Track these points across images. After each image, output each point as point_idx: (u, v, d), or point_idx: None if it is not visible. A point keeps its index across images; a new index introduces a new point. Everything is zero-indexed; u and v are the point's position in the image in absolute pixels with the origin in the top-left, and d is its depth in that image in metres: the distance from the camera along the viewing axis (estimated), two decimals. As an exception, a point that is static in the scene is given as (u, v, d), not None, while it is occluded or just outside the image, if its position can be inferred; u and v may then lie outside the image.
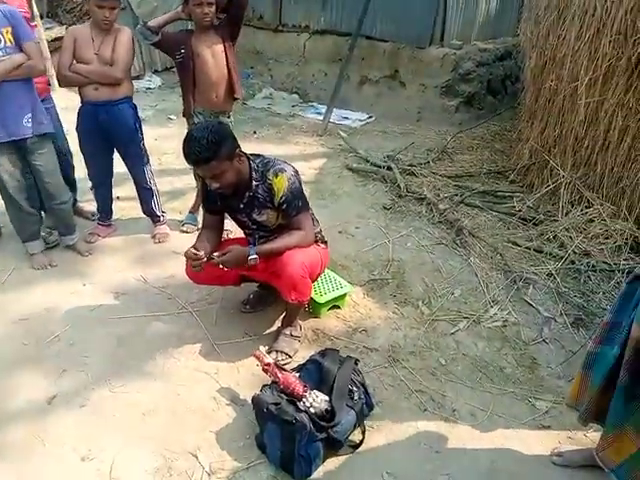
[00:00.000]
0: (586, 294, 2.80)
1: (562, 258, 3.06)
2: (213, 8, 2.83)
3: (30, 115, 2.67)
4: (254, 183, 2.24)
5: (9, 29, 2.53)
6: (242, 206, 2.31)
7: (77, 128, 3.03)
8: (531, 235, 3.35)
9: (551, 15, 3.61)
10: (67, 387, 2.18)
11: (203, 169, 2.11)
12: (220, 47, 2.96)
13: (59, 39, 2.95)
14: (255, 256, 2.18)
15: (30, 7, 3.01)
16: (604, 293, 2.81)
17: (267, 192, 2.24)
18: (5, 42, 2.52)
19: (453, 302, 2.79)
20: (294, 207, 2.23)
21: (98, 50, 2.83)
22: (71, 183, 3.31)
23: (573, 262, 3.03)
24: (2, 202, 3.24)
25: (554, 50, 3.64)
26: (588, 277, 2.93)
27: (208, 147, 2.02)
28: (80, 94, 2.96)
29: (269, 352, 2.29)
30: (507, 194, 3.91)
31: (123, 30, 2.92)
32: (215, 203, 2.37)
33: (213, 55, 2.95)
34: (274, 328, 2.56)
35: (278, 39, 6.97)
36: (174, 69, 7.35)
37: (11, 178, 2.77)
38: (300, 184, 2.29)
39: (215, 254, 2.19)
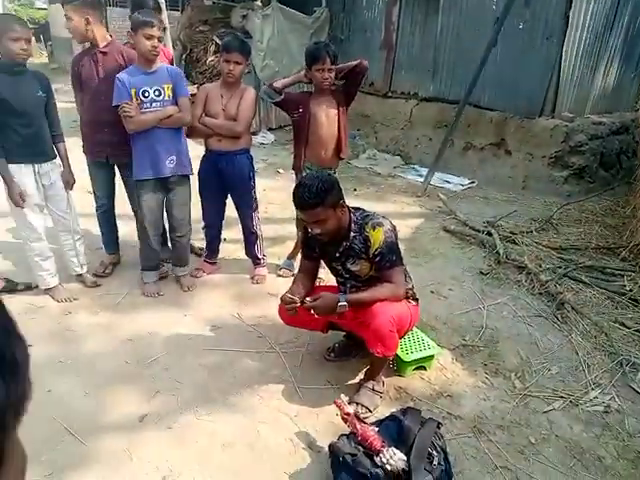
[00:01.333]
0: None
1: (679, 346, 2.77)
2: (333, 74, 3.06)
3: (174, 157, 3.04)
4: (352, 234, 2.33)
5: (170, 85, 2.96)
6: (338, 255, 2.39)
7: (199, 172, 3.34)
8: (643, 318, 3.08)
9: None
10: (158, 408, 2.32)
11: (309, 214, 2.22)
12: (334, 111, 3.17)
13: (192, 95, 3.31)
14: (345, 303, 2.23)
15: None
16: None
17: (363, 243, 2.30)
18: (164, 95, 2.95)
19: (549, 379, 2.62)
20: (387, 260, 2.27)
21: (225, 106, 3.14)
22: None
23: (692, 352, 2.73)
24: (125, 231, 3.64)
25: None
26: None
27: (317, 193, 2.15)
28: (205, 143, 3.29)
29: (349, 403, 2.28)
30: (617, 272, 3.65)
31: (249, 90, 3.22)
32: (314, 250, 2.49)
33: (327, 117, 3.17)
34: (356, 380, 2.55)
35: (386, 104, 7.26)
36: (286, 128, 7.96)
37: (150, 213, 3.13)
38: (396, 239, 2.34)
39: (307, 299, 2.28)
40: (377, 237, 2.26)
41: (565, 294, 3.30)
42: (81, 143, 3.29)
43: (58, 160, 3.05)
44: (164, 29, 3.27)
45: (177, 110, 2.99)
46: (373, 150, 7.04)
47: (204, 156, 3.31)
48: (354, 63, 3.11)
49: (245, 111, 3.15)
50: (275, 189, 5.30)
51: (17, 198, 2.85)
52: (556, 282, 3.46)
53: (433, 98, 6.67)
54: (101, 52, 3.06)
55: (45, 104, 2.91)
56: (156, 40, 2.83)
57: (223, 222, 3.56)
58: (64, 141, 3.08)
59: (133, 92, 2.89)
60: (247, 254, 3.59)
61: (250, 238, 3.51)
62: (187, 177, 3.19)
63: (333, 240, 2.36)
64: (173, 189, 3.14)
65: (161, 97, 2.95)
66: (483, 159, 6.06)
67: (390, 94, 7.27)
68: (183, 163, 3.11)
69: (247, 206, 3.41)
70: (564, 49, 5.22)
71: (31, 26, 18.00)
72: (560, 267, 3.67)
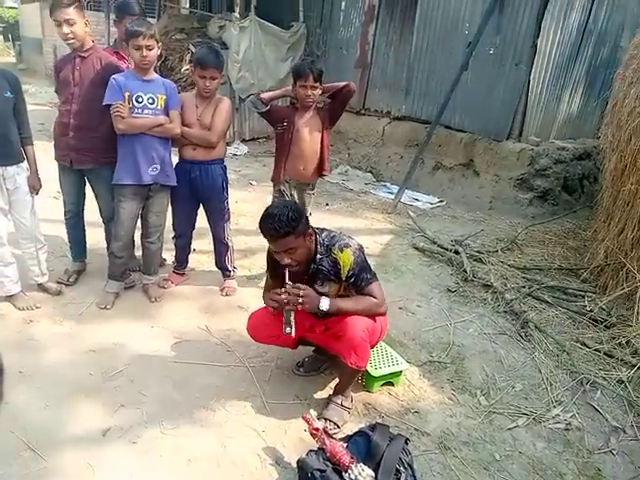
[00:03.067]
0: (661, 408, 2.60)
1: (635, 366, 2.87)
2: (317, 91, 3.09)
3: (158, 166, 3.02)
4: (318, 256, 2.30)
5: (164, 96, 2.97)
6: (306, 277, 2.35)
7: None
8: (602, 337, 3.19)
9: (634, 121, 3.63)
10: (122, 422, 2.26)
11: (279, 243, 2.17)
12: (318, 127, 3.20)
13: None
14: (327, 306, 2.20)
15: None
16: (682, 410, 2.60)
17: (332, 266, 2.28)
18: (157, 104, 2.95)
19: (513, 396, 2.67)
20: (363, 279, 2.27)
21: (200, 116, 3.13)
22: None
23: (648, 372, 2.84)
24: (92, 239, 3.55)
25: (635, 155, 3.63)
26: (664, 390, 2.73)
27: (287, 222, 2.10)
28: (179, 152, 3.26)
29: (318, 418, 2.27)
30: (578, 292, 3.78)
31: (224, 100, 3.22)
32: (277, 270, 2.46)
33: (310, 133, 3.20)
34: (325, 395, 2.55)
35: (360, 121, 7.37)
36: (260, 140, 7.98)
37: (127, 219, 3.08)
38: (365, 257, 2.33)
39: (289, 282, 2.23)
40: (346, 259, 2.24)
41: (529, 313, 3.39)
42: (50, 147, 3.21)
43: (25, 164, 2.97)
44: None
45: (168, 120, 3.00)
46: (346, 166, 7.12)
47: (177, 164, 3.27)
48: (342, 84, 3.14)
49: (220, 121, 3.15)
50: (247, 201, 5.29)
51: None
52: (520, 301, 3.55)
53: (405, 117, 6.81)
54: (80, 56, 3.01)
55: (13, 105, 2.83)
56: (144, 50, 2.82)
57: (193, 232, 3.52)
58: (32, 144, 3.01)
59: (127, 95, 2.87)
60: (217, 265, 3.56)
61: (220, 249, 3.48)
62: (167, 187, 3.16)
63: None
64: (152, 197, 3.11)
65: (154, 105, 2.94)
66: (452, 179, 6.21)
67: (364, 111, 7.38)
68: (167, 173, 3.09)
69: (219, 216, 3.39)
70: (532, 75, 5.43)
71: (-1, 25, 17.56)
72: (524, 286, 3.78)
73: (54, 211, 3.78)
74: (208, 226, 3.46)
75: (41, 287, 3.24)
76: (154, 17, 10.14)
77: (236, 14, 7.46)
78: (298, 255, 2.20)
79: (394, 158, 6.86)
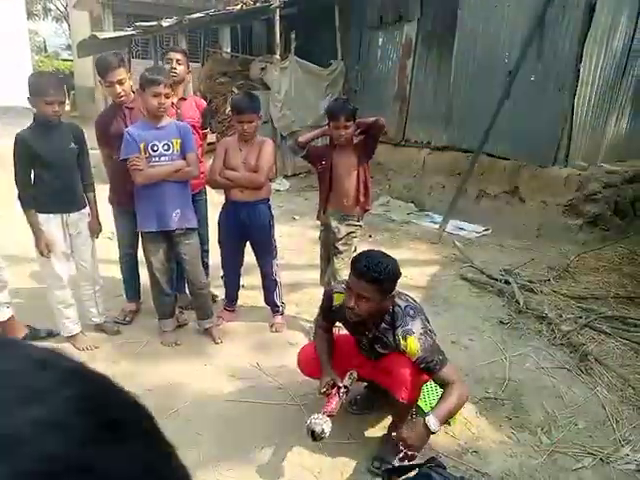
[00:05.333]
0: None
1: None
2: (351, 130, 3.13)
3: (179, 211, 3.07)
4: (383, 325, 2.23)
5: (179, 140, 3.03)
6: (368, 334, 2.30)
7: (219, 222, 3.41)
8: (670, 371, 3.03)
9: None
10: (180, 462, 2.28)
11: (361, 285, 2.08)
12: (354, 162, 3.24)
13: (211, 143, 3.43)
14: (438, 428, 2.03)
15: (202, 117, 3.56)
16: None
17: (396, 343, 2.19)
18: (173, 150, 3.02)
19: (577, 434, 2.55)
20: (435, 363, 2.12)
21: (245, 158, 3.21)
22: (204, 266, 3.65)
23: None
24: (146, 279, 3.67)
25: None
26: None
27: (382, 271, 2.05)
28: (225, 193, 3.36)
29: (374, 459, 2.25)
30: (638, 322, 3.61)
31: (267, 142, 3.31)
32: (335, 319, 2.47)
33: (347, 169, 3.24)
34: (380, 433, 2.51)
35: (399, 152, 7.42)
36: (301, 175, 8.14)
37: (157, 262, 3.16)
38: (432, 338, 2.19)
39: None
40: (412, 347, 2.13)
41: (588, 345, 3.25)
42: (102, 189, 3.36)
43: (86, 210, 3.14)
44: (177, 82, 3.35)
45: (185, 164, 3.03)
46: (387, 197, 7.14)
47: (225, 205, 3.37)
48: (371, 120, 3.19)
49: (266, 162, 3.23)
50: (291, 235, 5.37)
51: (43, 248, 2.93)
52: (578, 333, 3.42)
53: (446, 147, 6.81)
54: (128, 108, 3.19)
55: (77, 155, 3.02)
56: (163, 97, 2.89)
57: (242, 269, 3.59)
58: (94, 191, 3.18)
59: (142, 146, 2.94)
60: (266, 301, 3.61)
61: (269, 285, 3.53)
62: (193, 230, 3.20)
63: (363, 322, 2.26)
64: (180, 242, 3.14)
65: (170, 151, 3.00)
66: (497, 207, 6.12)
67: (403, 143, 7.44)
68: (187, 216, 3.12)
69: (267, 253, 3.45)
70: (576, 100, 5.35)
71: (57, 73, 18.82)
72: (581, 317, 3.64)
73: (109, 251, 3.96)
74: (255, 262, 3.53)
75: (99, 327, 3.37)
76: (198, 62, 10.65)
77: (277, 56, 7.73)
78: (366, 307, 2.11)
79: (436, 187, 6.84)
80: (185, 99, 3.52)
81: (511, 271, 4.40)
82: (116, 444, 0.26)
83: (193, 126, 3.30)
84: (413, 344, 2.12)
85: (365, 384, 2.70)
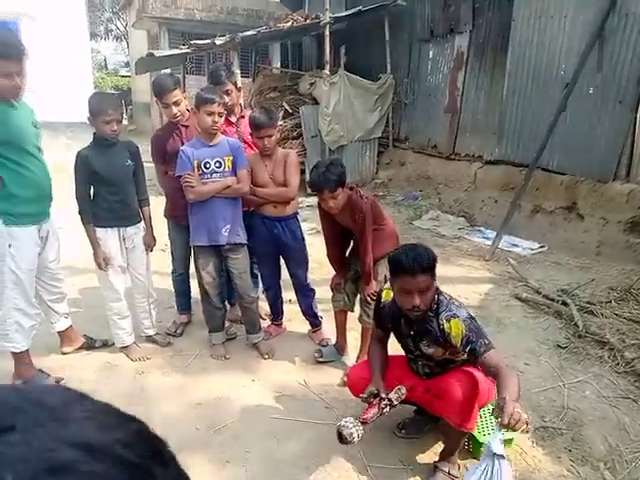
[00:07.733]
0: None
1: None
2: (340, 198, 2.83)
3: (229, 226, 3.11)
4: (429, 314, 2.20)
5: (231, 157, 3.07)
6: (412, 332, 2.29)
7: (249, 237, 3.28)
8: None
9: None
10: None
11: (418, 279, 2.05)
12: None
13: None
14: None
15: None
16: None
17: (440, 332, 2.16)
18: (225, 167, 3.06)
19: (644, 472, 2.38)
20: (481, 345, 2.06)
21: (272, 174, 3.20)
22: (254, 276, 3.63)
23: None
24: (197, 291, 3.73)
25: None
26: None
27: (425, 254, 2.08)
28: (255, 209, 3.32)
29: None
30: None
31: (291, 154, 3.28)
32: (385, 322, 2.44)
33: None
34: (429, 459, 2.43)
35: (449, 166, 7.29)
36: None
37: (208, 275, 3.20)
38: (478, 324, 2.16)
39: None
40: (456, 328, 2.10)
41: (654, 374, 3.05)
42: (157, 202, 3.43)
43: (142, 224, 3.23)
44: (231, 109, 3.39)
45: (236, 181, 3.06)
46: (436, 211, 7.01)
47: (257, 222, 3.32)
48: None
49: (293, 176, 3.22)
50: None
51: (100, 262, 3.03)
52: (643, 360, 3.21)
53: (498, 161, 6.63)
54: (184, 126, 3.28)
55: (133, 171, 3.12)
56: (216, 116, 2.94)
57: (282, 282, 3.58)
58: (149, 205, 3.27)
59: (196, 163, 3.00)
60: (304, 313, 3.56)
61: (306, 294, 3.48)
62: (242, 245, 3.21)
63: (409, 318, 2.24)
64: (229, 257, 3.17)
65: (221, 168, 3.04)
66: (553, 223, 5.88)
67: (454, 156, 7.30)
68: (237, 232, 3.14)
69: (301, 263, 3.44)
70: (638, 114, 5.09)
71: (115, 92, 19.77)
72: (646, 343, 3.42)
73: (162, 264, 4.05)
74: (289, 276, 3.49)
75: (150, 339, 3.45)
76: (248, 77, 10.89)
77: (326, 71, 7.79)
78: (429, 297, 2.11)
79: (488, 202, 6.66)
80: (244, 117, 3.57)
81: (569, 291, 4.20)
82: (163, 466, 0.36)
83: (253, 143, 3.33)
84: (457, 325, 2.09)
85: (415, 408, 2.62)
